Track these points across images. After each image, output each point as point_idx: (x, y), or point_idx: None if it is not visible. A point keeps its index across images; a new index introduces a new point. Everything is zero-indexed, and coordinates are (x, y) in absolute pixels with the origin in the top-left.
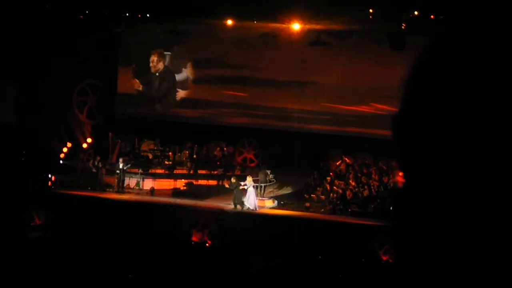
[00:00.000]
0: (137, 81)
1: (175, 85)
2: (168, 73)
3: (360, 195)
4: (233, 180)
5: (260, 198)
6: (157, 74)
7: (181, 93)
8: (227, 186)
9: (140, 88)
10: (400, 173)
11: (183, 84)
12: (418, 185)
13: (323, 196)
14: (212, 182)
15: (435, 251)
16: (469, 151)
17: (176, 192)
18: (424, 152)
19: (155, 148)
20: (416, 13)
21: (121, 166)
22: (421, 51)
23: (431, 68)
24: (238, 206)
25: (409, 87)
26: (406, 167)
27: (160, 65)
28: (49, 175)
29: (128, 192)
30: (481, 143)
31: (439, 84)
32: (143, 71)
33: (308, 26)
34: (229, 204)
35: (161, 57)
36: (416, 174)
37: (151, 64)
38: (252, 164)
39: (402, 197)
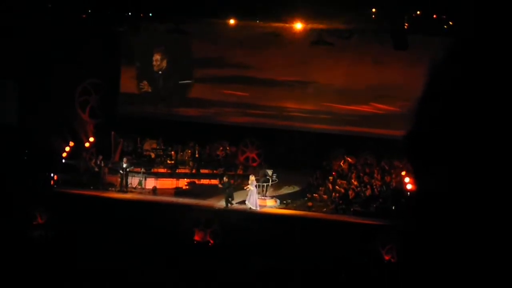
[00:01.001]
0: (146, 82)
1: (179, 84)
2: (172, 72)
3: (362, 194)
4: (225, 179)
5: (262, 198)
6: (160, 72)
7: (185, 92)
8: (220, 186)
9: (149, 90)
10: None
11: (187, 83)
12: (430, 189)
13: (325, 196)
14: (215, 182)
15: (447, 250)
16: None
17: (178, 192)
18: (437, 160)
19: (158, 147)
20: (418, 12)
21: (124, 165)
22: (432, 68)
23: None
24: (229, 204)
25: (424, 103)
26: (419, 173)
27: (164, 64)
28: (52, 174)
29: (131, 192)
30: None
31: (454, 100)
32: (147, 71)
33: (310, 26)
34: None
35: (165, 56)
36: (431, 179)
37: (154, 63)
38: (255, 164)
39: (415, 199)
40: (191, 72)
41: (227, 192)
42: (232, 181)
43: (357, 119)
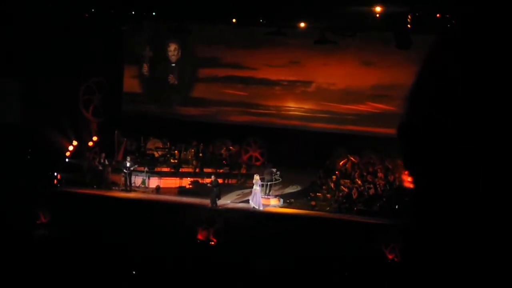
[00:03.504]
0: (172, 76)
1: (194, 76)
2: (186, 64)
3: (365, 193)
4: (213, 177)
5: (266, 197)
6: (173, 65)
7: (188, 92)
8: (209, 185)
9: (176, 82)
10: (406, 174)
11: (193, 82)
12: (426, 185)
13: (328, 195)
14: (218, 181)
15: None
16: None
17: (181, 191)
18: (430, 156)
19: (161, 146)
20: (421, 11)
21: (128, 165)
22: (426, 58)
23: (438, 74)
24: (214, 204)
25: (416, 95)
26: (414, 169)
27: (179, 54)
28: (55, 173)
29: (134, 191)
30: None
31: (445, 91)
32: (161, 65)
33: (313, 25)
34: (235, 202)
35: (179, 46)
36: (423, 176)
37: (170, 53)
38: (258, 163)
39: (413, 197)
40: (197, 71)
41: (215, 191)
42: (221, 181)
43: (359, 119)
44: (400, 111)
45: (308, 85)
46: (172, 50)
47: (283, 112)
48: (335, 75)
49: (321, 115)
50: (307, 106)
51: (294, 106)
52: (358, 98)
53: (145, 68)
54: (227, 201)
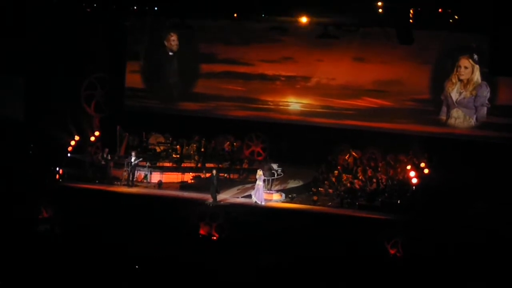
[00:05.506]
0: (173, 71)
1: (195, 71)
2: (186, 59)
3: (367, 188)
4: (214, 172)
5: (268, 192)
6: (171, 53)
7: (190, 87)
8: (207, 175)
9: (176, 77)
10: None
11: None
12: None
13: (330, 190)
14: (220, 175)
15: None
16: None
17: (183, 185)
18: None
19: (163, 141)
20: (424, 6)
21: (133, 159)
22: None
23: None
24: (213, 199)
25: None
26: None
27: (178, 45)
28: (57, 169)
29: (136, 185)
30: None
31: None
32: (152, 64)
33: (315, 20)
34: (237, 197)
35: (178, 38)
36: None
37: (172, 43)
38: (260, 158)
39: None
40: (197, 66)
41: (215, 185)
42: (220, 174)
43: (360, 114)
44: (398, 106)
45: (308, 80)
46: (171, 40)
47: (283, 107)
48: (335, 71)
49: (322, 110)
50: (307, 101)
51: (294, 101)
52: (358, 93)
53: (143, 65)
54: (227, 195)
